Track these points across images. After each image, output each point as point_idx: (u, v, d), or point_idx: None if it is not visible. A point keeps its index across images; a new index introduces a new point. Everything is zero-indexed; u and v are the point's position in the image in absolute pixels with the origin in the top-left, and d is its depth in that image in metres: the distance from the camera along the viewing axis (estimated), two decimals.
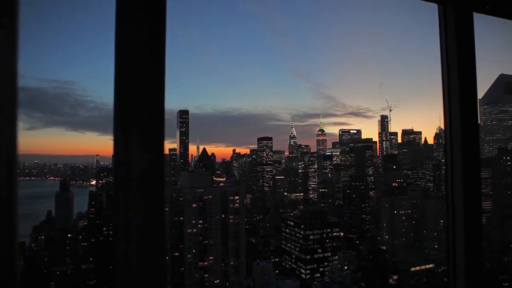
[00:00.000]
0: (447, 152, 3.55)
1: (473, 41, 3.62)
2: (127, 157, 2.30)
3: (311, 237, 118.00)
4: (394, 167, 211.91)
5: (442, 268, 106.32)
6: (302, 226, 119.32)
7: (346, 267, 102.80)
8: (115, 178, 2.34)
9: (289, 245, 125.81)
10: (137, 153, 2.33)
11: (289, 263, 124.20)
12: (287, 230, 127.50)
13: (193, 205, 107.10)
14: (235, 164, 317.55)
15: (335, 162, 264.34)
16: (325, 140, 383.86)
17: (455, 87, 3.47)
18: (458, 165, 3.37)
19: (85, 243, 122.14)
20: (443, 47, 3.61)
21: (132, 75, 2.36)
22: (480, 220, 3.60)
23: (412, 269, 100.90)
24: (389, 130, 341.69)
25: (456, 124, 3.41)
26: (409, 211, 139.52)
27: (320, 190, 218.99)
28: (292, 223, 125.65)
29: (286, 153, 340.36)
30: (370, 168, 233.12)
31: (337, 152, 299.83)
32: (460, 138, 3.35)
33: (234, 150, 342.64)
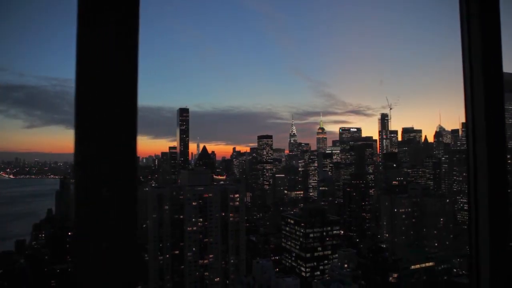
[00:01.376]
0: (469, 147, 3.37)
1: (499, 25, 3.34)
2: (88, 158, 2.17)
3: (311, 235, 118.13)
4: (394, 165, 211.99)
5: (442, 266, 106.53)
6: (302, 224, 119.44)
7: (346, 265, 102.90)
8: (75, 180, 2.17)
9: (289, 243, 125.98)
10: (101, 153, 2.19)
11: (289, 261, 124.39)
12: (287, 228, 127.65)
13: (193, 203, 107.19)
14: (235, 162, 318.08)
15: (335, 160, 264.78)
16: (325, 138, 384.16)
17: (479, 78, 3.25)
18: (483, 161, 3.19)
19: None
20: (464, 33, 3.40)
21: (95, 65, 2.21)
22: (508, 218, 3.33)
23: (412, 267, 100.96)
24: (389, 128, 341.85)
25: (480, 117, 3.23)
26: (409, 209, 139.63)
27: (320, 188, 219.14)
28: (292, 221, 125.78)
29: (286, 151, 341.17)
30: (370, 166, 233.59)
31: (337, 150, 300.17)
32: (485, 131, 3.17)
33: (234, 148, 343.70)
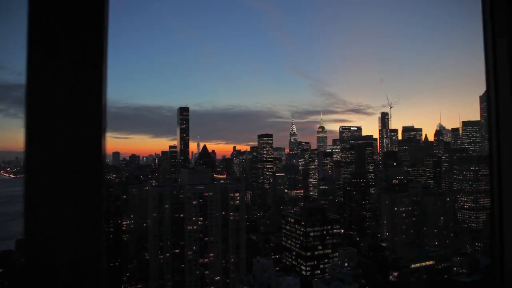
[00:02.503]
0: (492, 142, 3.19)
1: None
2: (40, 158, 1.97)
3: (312, 234, 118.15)
4: (395, 164, 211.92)
5: (443, 264, 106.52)
6: (302, 223, 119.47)
7: (346, 264, 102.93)
8: (26, 180, 1.96)
9: (289, 242, 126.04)
10: (57, 153, 1.99)
11: (290, 260, 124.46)
12: (288, 227, 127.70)
13: (194, 202, 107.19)
14: (235, 161, 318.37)
15: (335, 159, 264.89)
16: (326, 137, 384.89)
17: (504, 65, 3.04)
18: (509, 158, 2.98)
19: None
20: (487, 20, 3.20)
21: (48, 55, 2.00)
22: None
23: (412, 265, 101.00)
24: (390, 127, 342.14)
25: (506, 108, 3.04)
26: (409, 208, 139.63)
27: (321, 187, 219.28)
28: (292, 220, 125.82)
29: (287, 150, 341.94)
30: (370, 165, 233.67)
31: (337, 149, 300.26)
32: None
33: (234, 147, 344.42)
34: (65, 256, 1.98)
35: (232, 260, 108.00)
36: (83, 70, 2.05)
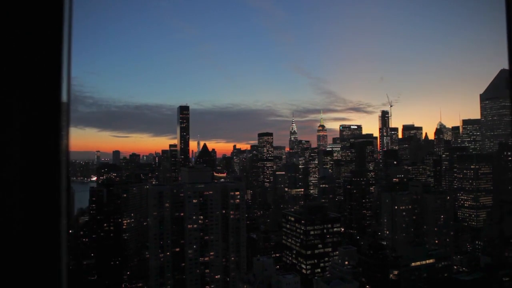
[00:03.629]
0: None
1: None
2: None
3: (312, 232, 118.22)
4: (395, 162, 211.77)
5: (443, 263, 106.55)
6: (302, 221, 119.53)
7: (346, 262, 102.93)
8: None
9: (289, 240, 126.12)
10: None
11: (290, 258, 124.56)
12: (288, 226, 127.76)
13: (194, 200, 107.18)
14: (235, 159, 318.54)
15: (335, 157, 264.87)
16: (326, 135, 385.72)
17: None
18: None
19: (86, 239, 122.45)
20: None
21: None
22: None
23: (413, 264, 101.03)
24: (390, 126, 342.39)
25: None
26: (410, 207, 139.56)
27: (321, 185, 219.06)
28: (292, 219, 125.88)
29: (287, 149, 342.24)
30: (370, 163, 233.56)
31: (337, 147, 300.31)
32: None
33: (234, 146, 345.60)
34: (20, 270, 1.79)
35: (233, 258, 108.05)
36: (36, 67, 1.91)
